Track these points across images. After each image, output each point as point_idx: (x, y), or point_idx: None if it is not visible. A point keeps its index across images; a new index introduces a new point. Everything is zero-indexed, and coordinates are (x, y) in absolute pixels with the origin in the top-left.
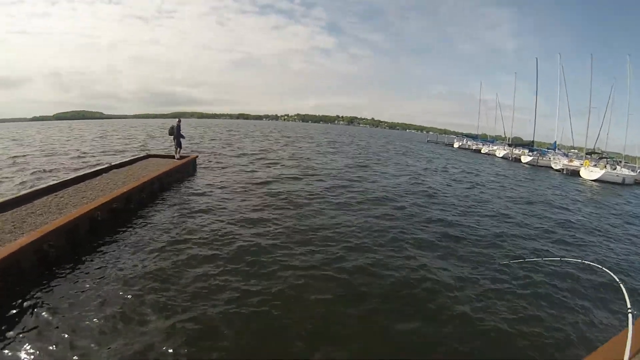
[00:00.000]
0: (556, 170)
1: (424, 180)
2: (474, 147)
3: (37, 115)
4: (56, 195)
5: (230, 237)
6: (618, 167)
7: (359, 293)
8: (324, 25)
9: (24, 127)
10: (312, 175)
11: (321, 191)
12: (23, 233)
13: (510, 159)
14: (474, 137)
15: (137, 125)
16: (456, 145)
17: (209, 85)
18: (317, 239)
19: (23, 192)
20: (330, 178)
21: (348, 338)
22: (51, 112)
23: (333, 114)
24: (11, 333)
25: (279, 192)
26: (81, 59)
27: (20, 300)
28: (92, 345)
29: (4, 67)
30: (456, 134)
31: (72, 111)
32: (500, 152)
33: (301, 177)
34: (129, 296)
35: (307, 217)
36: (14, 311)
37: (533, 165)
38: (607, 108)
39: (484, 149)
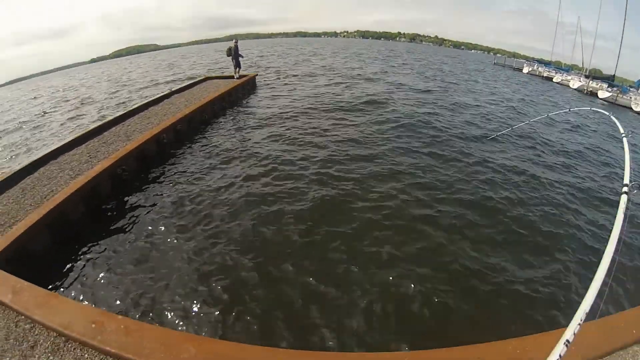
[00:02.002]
0: (636, 112)
1: None
2: (545, 74)
3: (95, 56)
4: (123, 124)
5: (286, 158)
6: None
7: None
8: None
9: (87, 69)
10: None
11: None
12: (99, 161)
13: (586, 92)
14: (546, 64)
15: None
16: (525, 70)
17: (263, 4)
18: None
19: (92, 126)
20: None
21: None
22: (108, 52)
23: (394, 30)
24: (96, 246)
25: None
26: None
27: (103, 225)
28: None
29: (57, 18)
30: (527, 58)
31: (128, 47)
32: (575, 83)
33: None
34: (197, 206)
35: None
36: (96, 230)
37: (611, 102)
38: None
39: (557, 78)
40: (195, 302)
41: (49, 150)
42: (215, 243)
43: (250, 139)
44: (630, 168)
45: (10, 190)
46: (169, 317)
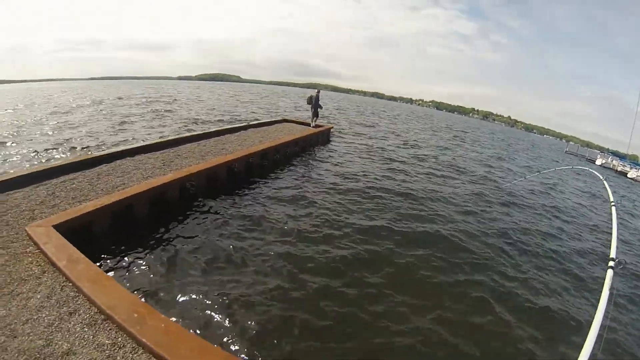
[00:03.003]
0: None
1: None
2: (619, 169)
3: (182, 75)
4: (199, 144)
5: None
6: None
7: None
8: (464, 9)
9: (174, 85)
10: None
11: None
12: (170, 170)
13: None
14: (621, 157)
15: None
16: (598, 162)
17: (343, 60)
18: None
19: (170, 137)
20: None
21: None
22: (193, 73)
23: (468, 104)
24: (155, 246)
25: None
26: (223, 29)
27: (163, 228)
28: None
29: (159, 33)
30: (600, 148)
31: (212, 73)
32: None
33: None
34: (253, 240)
35: None
36: (155, 232)
37: None
38: None
39: (631, 173)
40: (228, 321)
41: (128, 147)
42: (260, 282)
43: (315, 192)
44: (617, 240)
45: (88, 171)
46: (201, 327)
